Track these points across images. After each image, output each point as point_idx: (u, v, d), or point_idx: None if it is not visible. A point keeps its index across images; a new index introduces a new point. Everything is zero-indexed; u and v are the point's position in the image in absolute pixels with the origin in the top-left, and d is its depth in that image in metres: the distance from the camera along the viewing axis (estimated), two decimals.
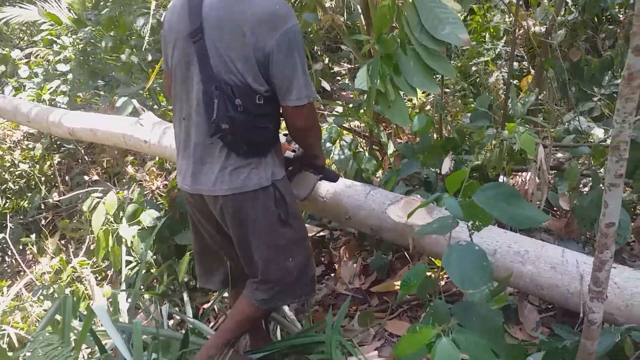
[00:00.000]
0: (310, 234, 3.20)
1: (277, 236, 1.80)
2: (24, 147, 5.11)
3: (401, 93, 1.98)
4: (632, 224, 2.30)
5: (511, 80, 2.97)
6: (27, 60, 5.86)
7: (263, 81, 1.60)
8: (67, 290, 3.11)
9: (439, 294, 1.43)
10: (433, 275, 1.80)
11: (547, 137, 2.53)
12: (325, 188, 2.49)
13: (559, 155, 2.87)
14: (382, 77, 2.08)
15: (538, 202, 2.41)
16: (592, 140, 2.75)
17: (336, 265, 3.03)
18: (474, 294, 1.21)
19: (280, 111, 1.75)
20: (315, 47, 4.01)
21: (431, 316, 1.27)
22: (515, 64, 3.88)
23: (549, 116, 3.41)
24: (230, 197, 1.70)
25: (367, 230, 2.41)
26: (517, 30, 3.49)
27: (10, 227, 4.34)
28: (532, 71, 3.72)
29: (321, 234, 3.27)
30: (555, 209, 2.65)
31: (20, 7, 7.31)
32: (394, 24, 2.10)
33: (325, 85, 3.95)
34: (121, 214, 3.00)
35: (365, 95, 2.22)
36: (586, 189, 2.78)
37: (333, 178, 2.11)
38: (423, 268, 1.31)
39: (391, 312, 2.54)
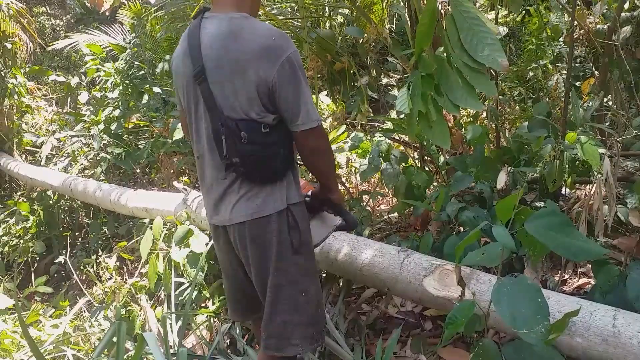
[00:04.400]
0: None
1: (288, 264, 1.74)
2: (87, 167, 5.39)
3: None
4: None
5: (571, 84, 2.76)
6: (95, 86, 6.16)
7: (267, 112, 1.61)
8: (123, 310, 3.18)
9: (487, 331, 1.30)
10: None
11: (614, 146, 2.32)
12: (360, 260, 2.43)
13: (629, 164, 2.62)
14: (423, 97, 1.99)
15: (605, 218, 2.20)
16: None
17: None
18: (528, 333, 1.09)
19: (291, 136, 1.72)
20: (364, 60, 3.94)
21: (480, 358, 1.15)
22: (577, 65, 3.62)
23: (616, 122, 3.14)
24: (247, 224, 1.69)
25: (411, 299, 2.39)
26: (576, 30, 3.26)
27: (73, 252, 4.59)
28: (596, 73, 3.45)
29: None
30: (625, 225, 2.42)
31: (87, 33, 7.74)
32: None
33: (373, 95, 3.87)
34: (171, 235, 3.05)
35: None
36: None
37: (350, 224, 1.98)
38: (469, 305, 1.20)
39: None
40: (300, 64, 1.62)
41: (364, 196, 3.73)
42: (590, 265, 2.39)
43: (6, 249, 4.98)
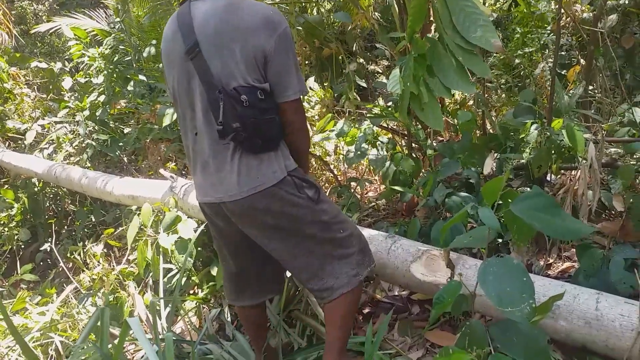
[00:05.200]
0: None
1: (315, 214, 1.80)
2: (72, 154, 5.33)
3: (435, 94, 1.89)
4: None
5: (557, 71, 2.79)
6: (78, 72, 6.07)
7: (262, 79, 1.68)
8: (111, 297, 3.17)
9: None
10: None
11: (599, 132, 2.35)
12: None
13: (612, 150, 2.66)
14: (415, 78, 1.99)
15: (589, 203, 2.24)
16: None
17: None
18: (514, 312, 1.11)
19: None
20: (352, 46, 3.93)
21: (467, 337, 1.17)
22: (563, 53, 3.65)
23: (601, 109, 3.18)
24: (250, 198, 1.71)
25: (398, 285, 2.43)
26: (562, 18, 3.29)
27: (59, 240, 4.56)
28: (582, 61, 3.49)
29: None
30: (608, 209, 2.46)
31: (71, 17, 7.59)
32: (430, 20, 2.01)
33: (361, 83, 3.87)
34: (159, 222, 3.04)
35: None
36: None
37: None
38: (456, 285, 1.22)
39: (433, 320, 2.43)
40: (292, 40, 1.73)
41: (352, 183, 3.74)
42: (574, 250, 2.44)
43: None
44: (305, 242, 1.83)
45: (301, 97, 1.76)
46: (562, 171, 2.87)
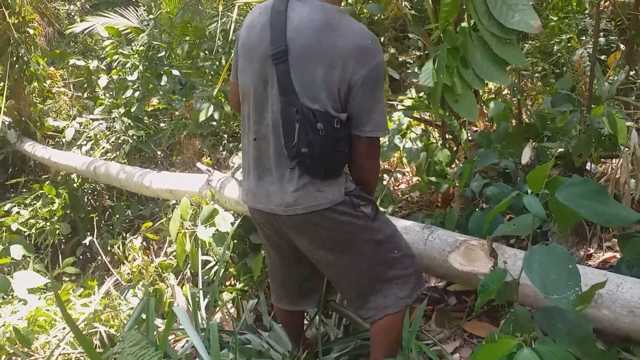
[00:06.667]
0: None
1: (370, 232, 1.77)
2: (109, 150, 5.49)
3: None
4: None
5: (597, 57, 2.72)
6: (112, 70, 6.23)
7: (340, 108, 1.59)
8: (151, 289, 3.26)
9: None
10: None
11: None
12: None
13: None
14: (448, 70, 1.98)
15: (632, 192, 2.19)
16: None
17: None
18: (559, 299, 1.11)
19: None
20: (381, 38, 3.91)
21: (511, 324, 1.17)
22: (602, 39, 3.54)
23: None
24: (307, 215, 1.67)
25: (435, 275, 2.45)
26: (601, 2, 3.20)
27: (98, 234, 4.73)
28: (622, 46, 3.39)
29: None
30: None
31: (104, 16, 7.78)
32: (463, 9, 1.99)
33: (394, 74, 3.85)
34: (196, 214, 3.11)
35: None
36: None
37: None
38: (501, 272, 1.21)
39: (470, 311, 2.42)
40: (383, 73, 1.65)
41: (384, 175, 3.74)
42: (615, 239, 2.38)
43: (33, 230, 5.10)
44: (357, 260, 1.79)
45: (382, 135, 1.70)
46: (603, 160, 2.81)
